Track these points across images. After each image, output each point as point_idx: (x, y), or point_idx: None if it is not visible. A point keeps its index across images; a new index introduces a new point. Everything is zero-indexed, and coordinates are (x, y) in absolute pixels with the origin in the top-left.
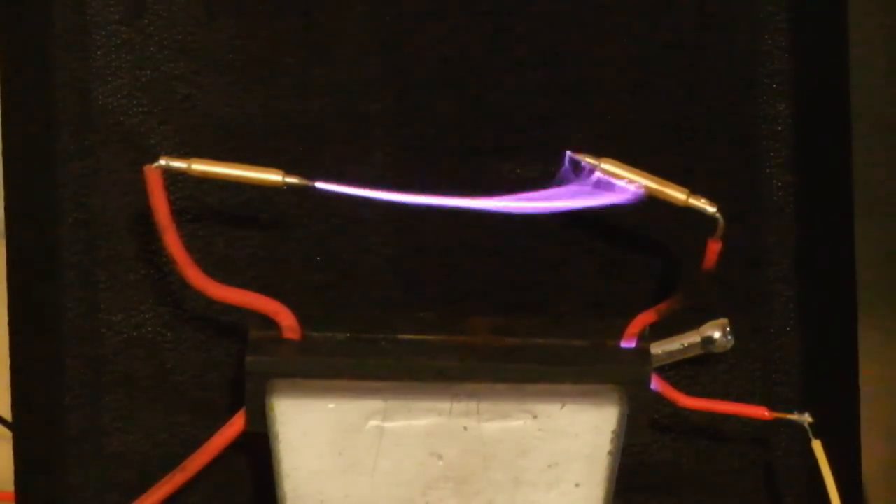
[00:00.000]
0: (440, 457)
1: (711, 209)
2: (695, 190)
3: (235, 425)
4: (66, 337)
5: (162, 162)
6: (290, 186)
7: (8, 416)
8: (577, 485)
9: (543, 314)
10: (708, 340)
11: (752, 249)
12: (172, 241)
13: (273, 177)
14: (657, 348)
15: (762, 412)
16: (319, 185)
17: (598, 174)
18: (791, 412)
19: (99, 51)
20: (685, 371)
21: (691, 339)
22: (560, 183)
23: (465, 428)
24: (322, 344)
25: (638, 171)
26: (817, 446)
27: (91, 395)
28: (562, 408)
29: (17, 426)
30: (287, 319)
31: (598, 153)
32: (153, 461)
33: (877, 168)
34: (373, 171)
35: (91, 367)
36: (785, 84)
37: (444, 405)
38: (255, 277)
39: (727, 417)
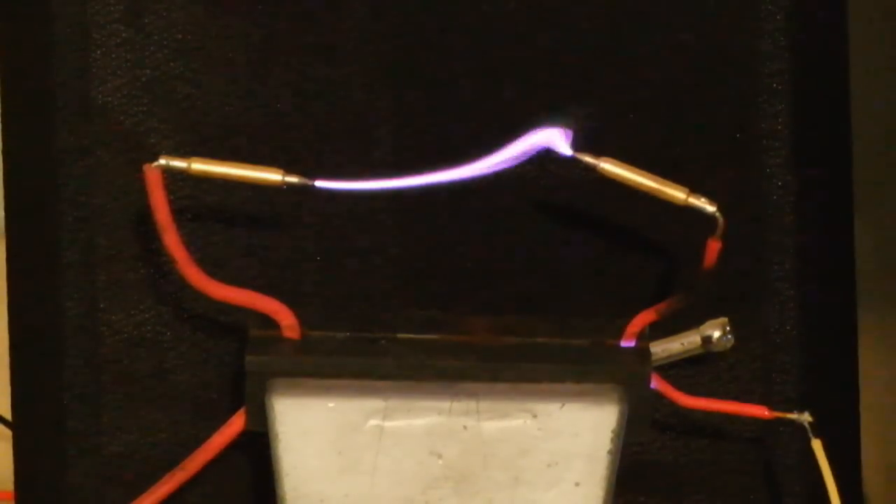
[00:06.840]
0: (440, 456)
1: (711, 208)
2: (694, 189)
3: (235, 425)
4: (66, 337)
5: (162, 161)
6: (290, 186)
7: (8, 416)
8: (576, 484)
9: (543, 314)
10: (708, 340)
11: (752, 249)
12: (172, 241)
13: (273, 176)
14: (657, 348)
15: (762, 412)
16: (319, 184)
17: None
18: (791, 412)
19: (99, 50)
20: (685, 371)
21: (691, 338)
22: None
23: (465, 427)
24: (322, 343)
25: (638, 170)
26: (817, 446)
27: (91, 395)
28: (562, 407)
29: (17, 426)
30: (287, 319)
31: (599, 153)
32: (153, 461)
33: (877, 168)
34: (372, 172)
35: (91, 367)
36: (785, 84)
37: (444, 405)
38: (255, 277)
39: (727, 417)
